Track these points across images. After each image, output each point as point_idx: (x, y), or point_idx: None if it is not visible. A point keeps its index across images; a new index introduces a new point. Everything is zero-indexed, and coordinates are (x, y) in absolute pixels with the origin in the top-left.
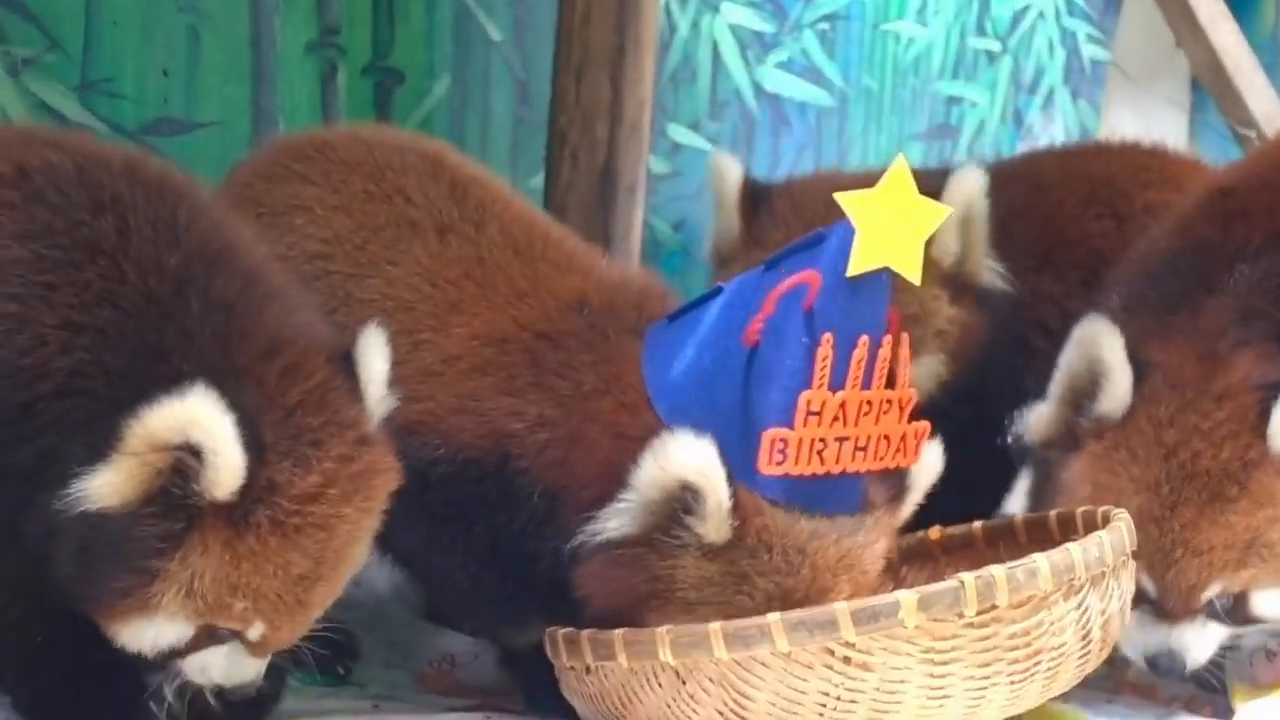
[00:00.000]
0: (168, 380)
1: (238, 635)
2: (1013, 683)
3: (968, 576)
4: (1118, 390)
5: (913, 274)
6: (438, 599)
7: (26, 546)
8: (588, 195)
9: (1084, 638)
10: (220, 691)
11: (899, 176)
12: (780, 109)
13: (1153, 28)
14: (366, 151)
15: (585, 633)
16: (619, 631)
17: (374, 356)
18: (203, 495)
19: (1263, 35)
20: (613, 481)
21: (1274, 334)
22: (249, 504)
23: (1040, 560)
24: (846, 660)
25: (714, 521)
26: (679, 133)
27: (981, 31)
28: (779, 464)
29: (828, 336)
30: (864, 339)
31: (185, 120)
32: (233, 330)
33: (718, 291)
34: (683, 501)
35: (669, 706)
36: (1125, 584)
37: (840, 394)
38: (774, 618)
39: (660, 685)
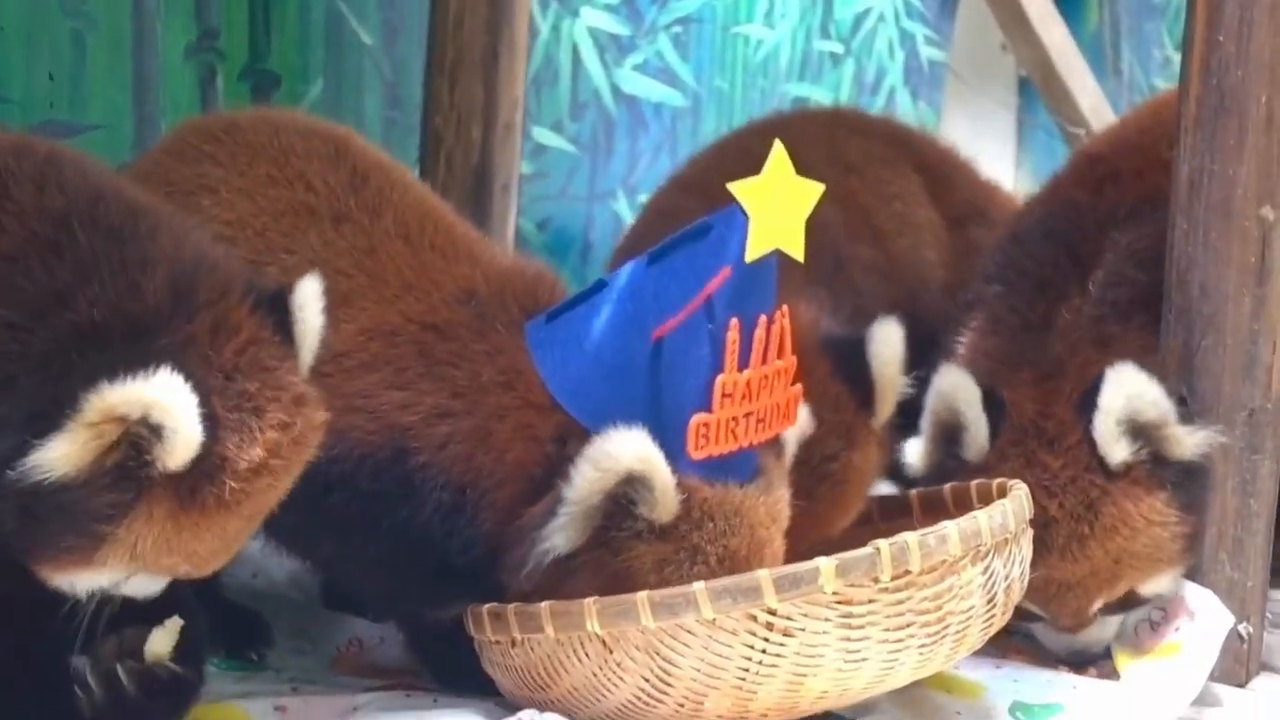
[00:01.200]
0: (79, 329)
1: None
2: (923, 645)
3: (883, 543)
4: (977, 442)
5: (797, 253)
6: (354, 590)
7: None
8: (463, 195)
9: (989, 601)
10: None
11: (780, 160)
12: (637, 109)
13: (984, 31)
14: (272, 134)
15: (511, 607)
16: (545, 604)
17: (312, 311)
18: (154, 466)
19: (1088, 36)
20: (527, 481)
21: (1128, 303)
22: (197, 478)
23: (950, 527)
24: (769, 626)
25: (664, 501)
26: (542, 134)
27: (826, 34)
28: (703, 447)
29: (734, 321)
30: (762, 319)
31: (71, 123)
32: (130, 260)
33: (599, 287)
34: (626, 495)
35: (595, 675)
36: (1025, 550)
37: (747, 373)
38: (699, 586)
39: (587, 655)
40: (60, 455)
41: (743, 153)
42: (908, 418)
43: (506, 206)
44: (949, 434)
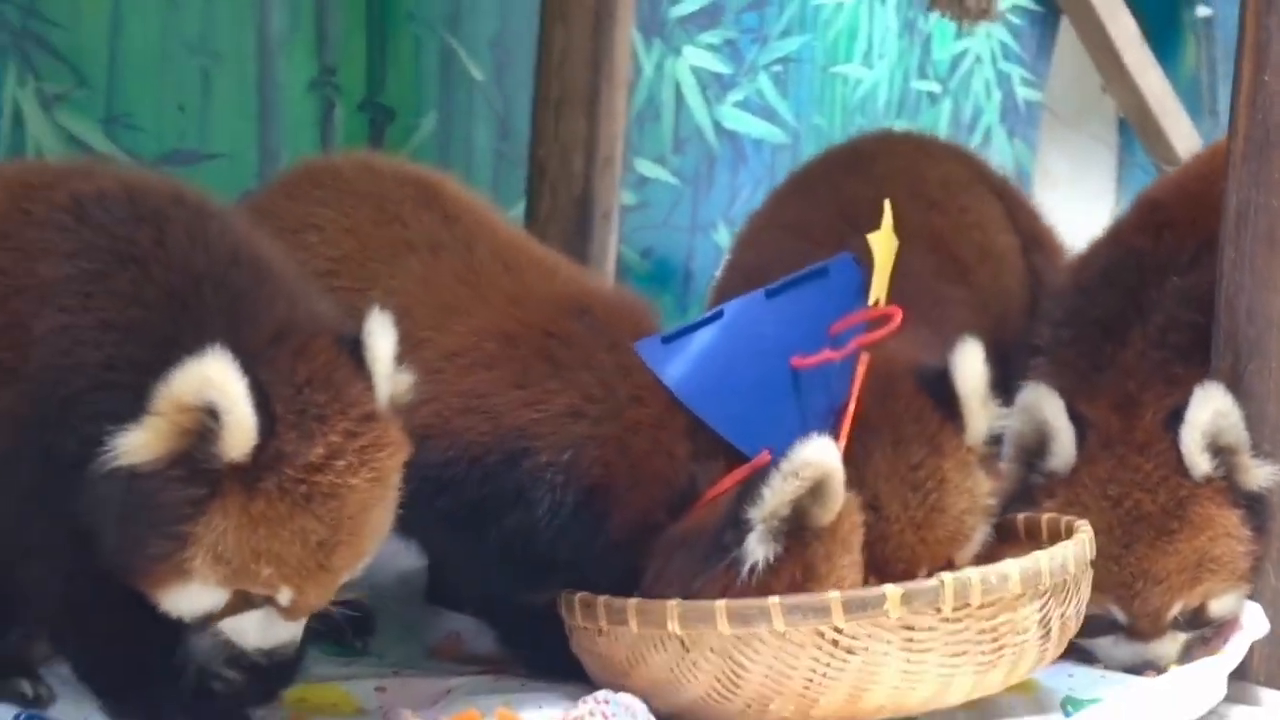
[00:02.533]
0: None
1: (269, 600)
2: (978, 671)
3: (948, 577)
4: (1064, 450)
5: (882, 296)
6: (455, 577)
7: (78, 527)
8: (566, 224)
9: (1044, 635)
10: (262, 655)
11: (888, 220)
12: (738, 145)
13: (1082, 72)
14: (372, 182)
15: (601, 599)
16: (632, 601)
17: (379, 337)
18: (221, 457)
19: (1185, 78)
20: (664, 489)
21: (1189, 345)
22: (260, 470)
23: (1012, 566)
24: (835, 643)
25: (835, 504)
26: (645, 166)
27: (923, 74)
28: None
29: (864, 356)
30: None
31: (197, 152)
32: (244, 317)
33: (718, 315)
34: (805, 504)
35: (672, 670)
36: (1083, 590)
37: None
38: (773, 600)
39: (666, 650)
40: (136, 441)
41: (831, 188)
42: None
43: (607, 234)
44: (1032, 450)
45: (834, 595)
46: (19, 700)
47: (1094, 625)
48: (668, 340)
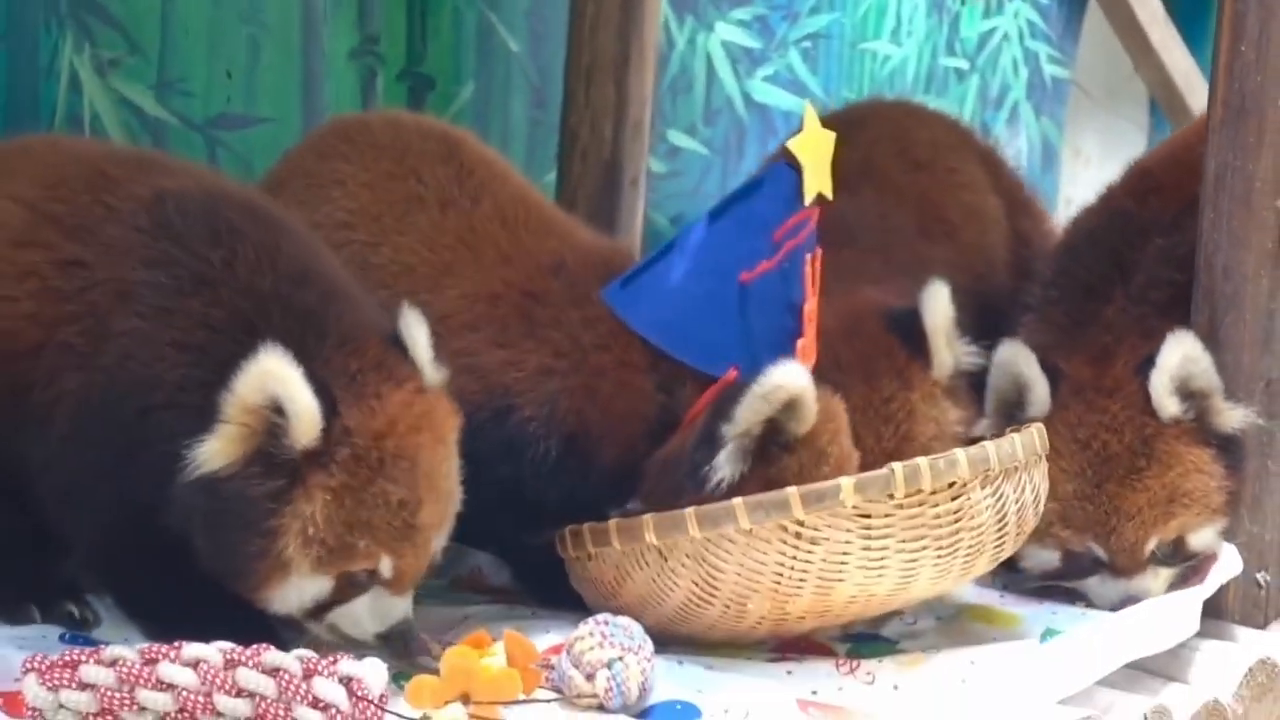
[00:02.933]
0: None
1: (372, 576)
2: (939, 558)
3: (897, 465)
4: (1039, 399)
5: (828, 191)
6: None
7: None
8: (595, 188)
9: (1000, 523)
10: (380, 639)
11: (811, 119)
12: (768, 117)
13: (1112, 51)
14: (395, 135)
15: (586, 525)
16: (612, 520)
17: (415, 328)
18: (293, 447)
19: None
20: (640, 423)
21: (1168, 302)
22: (332, 447)
23: (959, 453)
24: (798, 535)
25: (809, 417)
26: (677, 137)
27: (951, 51)
28: (805, 363)
29: (808, 256)
30: (817, 251)
31: (246, 116)
32: (308, 333)
33: (667, 249)
34: (779, 420)
35: (654, 581)
36: (1037, 480)
37: (812, 299)
38: (737, 501)
39: (647, 563)
40: (212, 449)
41: None
42: None
43: (635, 199)
44: (1012, 403)
45: (792, 490)
46: (67, 621)
47: (1080, 565)
48: (626, 282)
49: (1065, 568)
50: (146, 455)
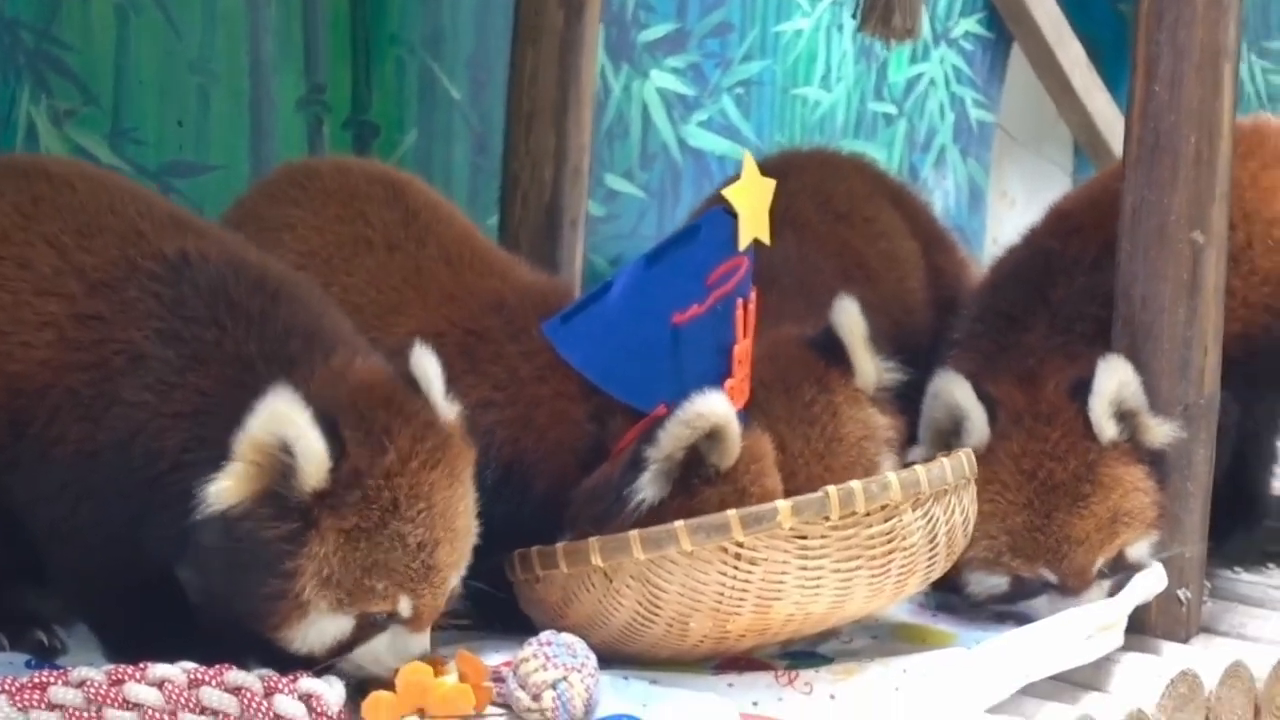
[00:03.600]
0: None
1: (391, 616)
2: (872, 577)
3: (832, 488)
4: (977, 429)
5: (765, 239)
6: None
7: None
8: (537, 230)
9: (931, 543)
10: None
11: (750, 167)
12: (702, 161)
13: (1036, 96)
14: (343, 180)
15: (534, 549)
16: (559, 544)
17: (426, 365)
18: (303, 488)
19: None
20: (570, 454)
21: (1092, 334)
22: (342, 490)
23: (892, 477)
24: (737, 557)
25: (732, 450)
26: (615, 181)
27: (879, 96)
28: (735, 403)
29: (740, 301)
30: (740, 301)
31: (196, 164)
32: (299, 379)
33: (606, 288)
34: (700, 448)
35: (600, 602)
36: (966, 503)
37: (744, 341)
38: (679, 524)
39: (593, 585)
40: (223, 487)
41: None
42: None
43: (575, 240)
44: (947, 432)
45: (732, 513)
46: (35, 649)
47: (1029, 589)
48: (567, 318)
49: (1013, 591)
50: (157, 515)
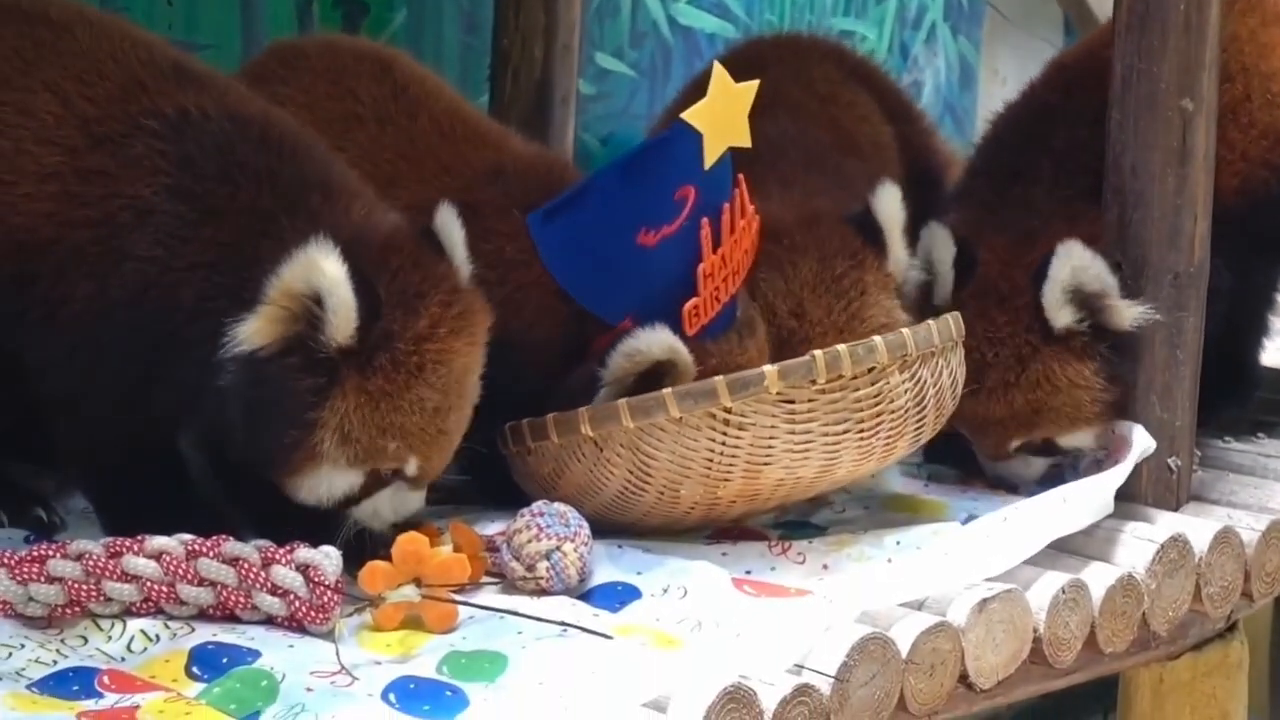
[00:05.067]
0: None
1: (398, 474)
2: (860, 440)
3: (819, 352)
4: (941, 290)
5: (744, 143)
6: None
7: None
8: (527, 108)
9: (919, 406)
10: (392, 527)
11: (719, 79)
12: (693, 39)
13: None
14: (331, 57)
15: (525, 421)
16: (549, 415)
17: (450, 225)
18: (331, 342)
19: None
20: (555, 349)
21: (1094, 188)
22: (372, 351)
23: (878, 340)
24: (726, 422)
25: (687, 377)
26: (605, 60)
27: None
28: (695, 324)
29: (704, 220)
30: (725, 205)
31: (186, 42)
32: (324, 227)
33: (583, 190)
34: (656, 373)
35: (590, 472)
36: (954, 365)
37: (720, 249)
38: (667, 391)
39: (584, 455)
40: (252, 328)
41: None
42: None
43: (566, 118)
44: (928, 284)
45: (719, 379)
46: (35, 525)
47: (962, 444)
48: (549, 213)
49: (949, 443)
50: (176, 369)
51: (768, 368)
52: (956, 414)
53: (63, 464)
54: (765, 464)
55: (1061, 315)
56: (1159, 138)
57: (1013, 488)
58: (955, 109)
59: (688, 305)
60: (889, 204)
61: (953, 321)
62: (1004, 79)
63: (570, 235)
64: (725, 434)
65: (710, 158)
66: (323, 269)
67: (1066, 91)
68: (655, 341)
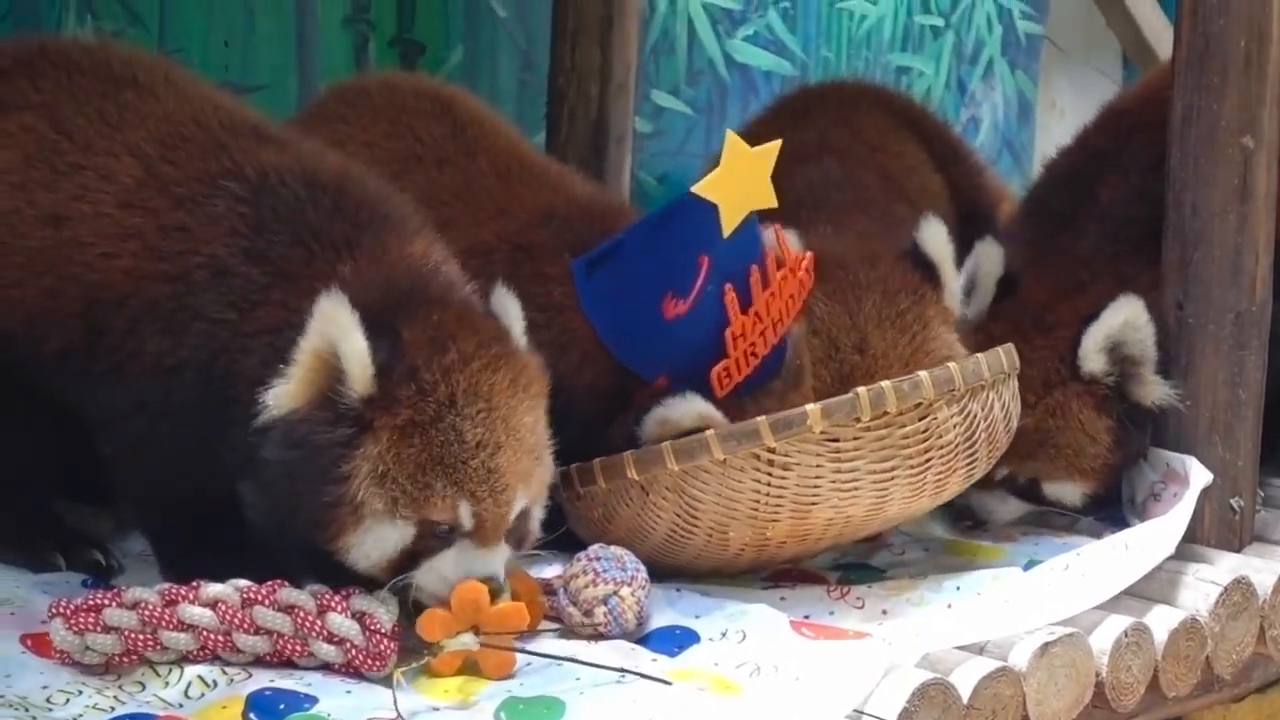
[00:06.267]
0: None
1: (454, 530)
2: (911, 478)
3: (862, 389)
4: (979, 300)
5: (769, 204)
6: None
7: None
8: (583, 147)
9: (969, 441)
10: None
11: (734, 148)
12: (749, 77)
13: (1084, 6)
14: (391, 96)
15: (573, 466)
16: (596, 460)
17: (508, 303)
18: (353, 391)
19: None
20: (602, 398)
21: (1141, 239)
22: (396, 386)
23: (923, 375)
24: (770, 463)
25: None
26: (661, 97)
27: (926, 9)
28: (726, 385)
29: (728, 286)
30: (753, 267)
31: (242, 84)
32: (383, 297)
33: (621, 245)
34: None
35: (639, 516)
36: (1006, 398)
37: (751, 309)
38: (710, 433)
39: (631, 499)
40: (283, 392)
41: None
42: None
43: (621, 157)
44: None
45: (762, 419)
46: (93, 569)
47: None
48: (591, 264)
49: None
50: (237, 432)
51: (810, 406)
52: None
53: (124, 504)
54: (813, 504)
55: (1093, 361)
56: (1219, 175)
57: (980, 522)
58: (1013, 144)
59: (717, 368)
60: (936, 238)
61: (1004, 354)
62: (1062, 112)
63: (608, 288)
64: (770, 474)
65: (729, 225)
66: (333, 319)
67: (1118, 138)
68: (686, 412)
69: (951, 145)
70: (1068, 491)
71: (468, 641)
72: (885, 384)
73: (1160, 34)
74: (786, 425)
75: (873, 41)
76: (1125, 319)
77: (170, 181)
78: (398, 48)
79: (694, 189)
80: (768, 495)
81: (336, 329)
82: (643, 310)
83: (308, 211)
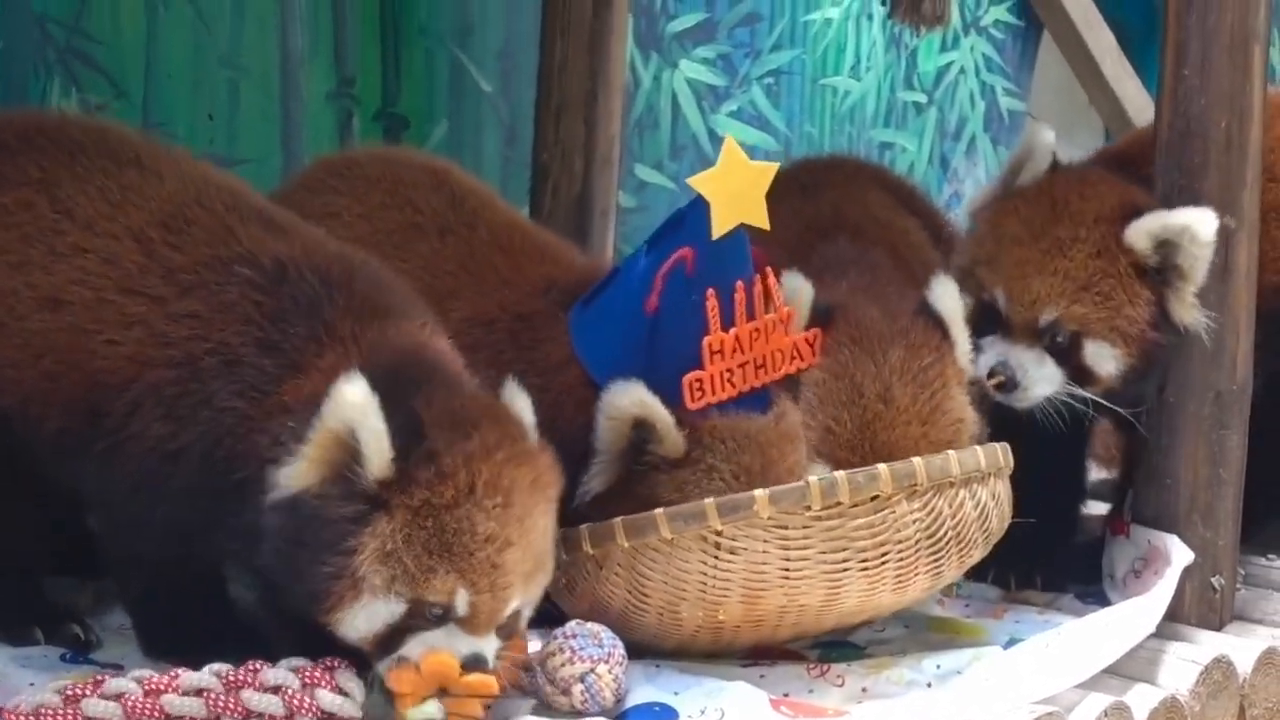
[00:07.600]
0: None
1: (447, 613)
2: (865, 571)
3: (813, 478)
4: (1037, 168)
5: (761, 223)
6: None
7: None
8: (567, 221)
9: (932, 539)
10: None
11: (731, 153)
12: None
13: (1067, 83)
14: (385, 168)
15: None
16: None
17: (517, 398)
18: (369, 472)
19: None
20: (588, 434)
21: None
22: (414, 469)
23: (882, 468)
24: (717, 545)
25: (668, 437)
26: (644, 172)
27: (910, 85)
28: (699, 399)
29: (710, 291)
30: (739, 283)
31: (227, 157)
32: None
33: (615, 274)
34: (640, 436)
35: (596, 590)
36: (983, 497)
37: (733, 330)
38: (659, 511)
39: (588, 572)
40: (297, 471)
41: (792, 209)
42: None
43: (605, 230)
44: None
45: (710, 501)
46: (72, 643)
47: (984, 317)
48: (587, 300)
49: (971, 316)
50: (239, 513)
51: (758, 492)
52: (1002, 264)
53: (108, 575)
54: (762, 590)
55: (1138, 238)
56: None
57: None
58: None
59: (689, 376)
60: (947, 297)
61: (983, 454)
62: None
63: (598, 313)
64: (718, 557)
65: (719, 227)
66: (353, 403)
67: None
68: (628, 395)
69: (942, 225)
70: (1105, 356)
71: (431, 711)
72: (839, 474)
73: (1142, 110)
74: (733, 509)
75: (856, 117)
76: (1186, 225)
77: (174, 268)
78: (382, 122)
79: (690, 180)
80: (715, 578)
81: (356, 412)
82: (626, 315)
83: (324, 306)
